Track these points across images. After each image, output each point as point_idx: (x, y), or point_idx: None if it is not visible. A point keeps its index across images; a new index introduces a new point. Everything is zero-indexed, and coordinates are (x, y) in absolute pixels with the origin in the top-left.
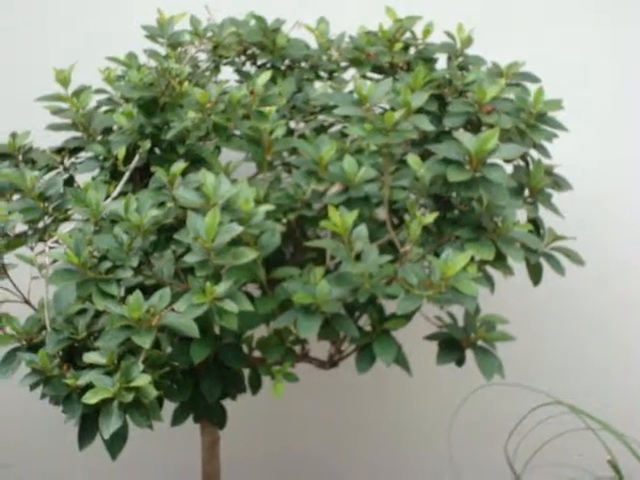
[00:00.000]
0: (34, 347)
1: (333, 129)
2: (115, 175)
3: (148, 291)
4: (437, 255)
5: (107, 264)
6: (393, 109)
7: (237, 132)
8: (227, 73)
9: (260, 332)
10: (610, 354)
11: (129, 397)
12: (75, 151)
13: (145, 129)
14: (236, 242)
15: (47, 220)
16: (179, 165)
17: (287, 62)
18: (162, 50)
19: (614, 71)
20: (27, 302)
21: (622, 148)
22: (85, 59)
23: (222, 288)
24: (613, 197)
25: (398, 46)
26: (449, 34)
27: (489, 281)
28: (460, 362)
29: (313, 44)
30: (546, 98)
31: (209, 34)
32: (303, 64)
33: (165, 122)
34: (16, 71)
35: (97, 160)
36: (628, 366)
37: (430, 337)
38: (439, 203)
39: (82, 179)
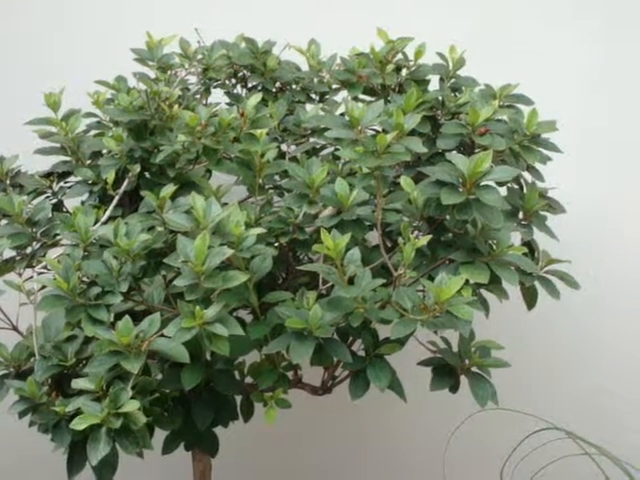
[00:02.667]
0: (23, 374)
1: (325, 152)
2: (104, 199)
3: (138, 317)
4: (431, 279)
5: (96, 290)
6: (385, 131)
7: (228, 155)
8: (217, 96)
9: (252, 358)
10: (607, 378)
11: (117, 423)
12: (64, 175)
13: (135, 153)
14: (226, 266)
15: (35, 245)
16: (169, 189)
17: (278, 84)
18: (151, 73)
19: (609, 92)
20: (15, 329)
21: (617, 171)
22: (74, 82)
23: (212, 312)
24: (608, 220)
25: (390, 68)
26: (441, 55)
27: (484, 305)
28: (454, 389)
29: (304, 66)
30: (540, 119)
31: (199, 57)
32: (294, 86)
33: (155, 146)
34: (4, 94)
35: (86, 184)
36: (625, 391)
37: (423, 363)
38: (433, 226)
39: (71, 204)
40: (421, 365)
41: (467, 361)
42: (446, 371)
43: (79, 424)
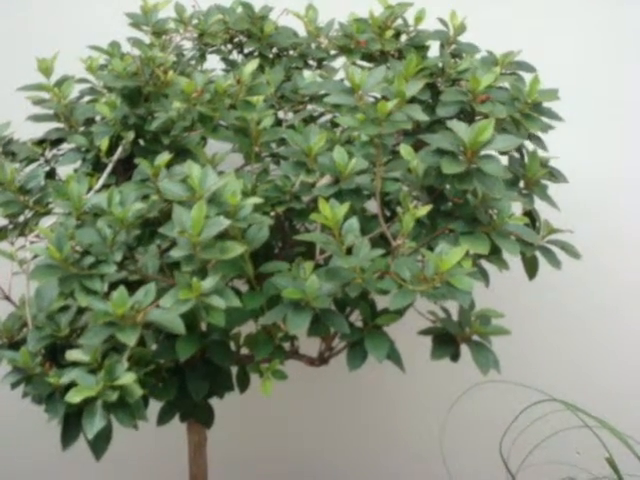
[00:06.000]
0: (15, 345)
1: (322, 119)
2: (98, 167)
3: (132, 287)
4: (431, 249)
5: (90, 259)
6: (385, 98)
7: (223, 122)
8: (213, 62)
9: (248, 328)
10: (608, 351)
11: (113, 396)
12: (57, 142)
13: (129, 119)
14: (223, 236)
15: (28, 214)
16: (164, 157)
17: (275, 50)
18: (146, 38)
19: (612, 60)
20: (7, 298)
21: (620, 140)
22: (67, 48)
23: (209, 284)
24: (610, 188)
25: (389, 33)
26: (442, 21)
27: (484, 275)
28: (455, 357)
29: (302, 31)
30: (542, 87)
31: (194, 21)
32: (291, 52)
33: (149, 112)
34: None
35: (79, 152)
36: (626, 363)
37: (424, 332)
38: (433, 195)
39: (64, 171)
40: (421, 334)
41: (467, 329)
42: (446, 340)
43: (74, 397)
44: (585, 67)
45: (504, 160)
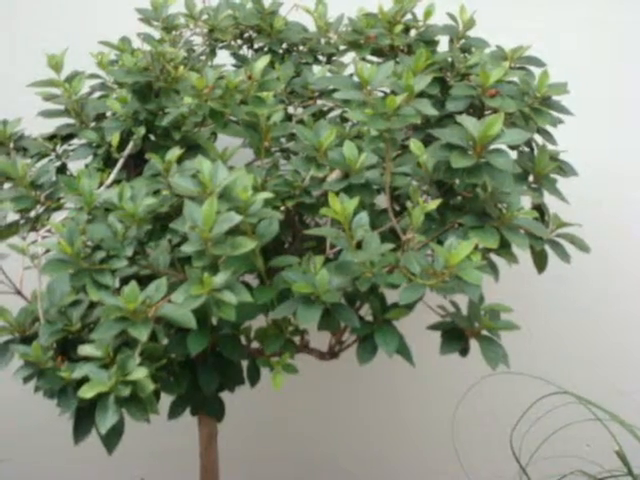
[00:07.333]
0: (27, 339)
1: (332, 114)
2: (109, 162)
3: (143, 281)
4: (440, 243)
5: (101, 254)
6: (394, 93)
7: (234, 118)
8: (223, 57)
9: (258, 322)
10: (617, 344)
11: (126, 391)
12: (68, 138)
13: (139, 115)
14: (234, 231)
15: (39, 209)
16: (174, 152)
17: (285, 45)
18: (156, 34)
19: (624, 53)
20: (19, 293)
21: (631, 133)
22: (77, 43)
23: (220, 279)
24: (619, 182)
25: (398, 28)
26: (451, 16)
27: (493, 269)
28: (464, 352)
29: (311, 27)
30: (551, 82)
31: (204, 17)
32: (301, 47)
33: (160, 108)
34: (6, 56)
35: (90, 147)
36: (636, 355)
37: (433, 327)
38: (442, 190)
39: (75, 167)
40: (431, 329)
41: (477, 324)
42: (455, 334)
43: (87, 392)
44: (597, 60)
45: (513, 154)
